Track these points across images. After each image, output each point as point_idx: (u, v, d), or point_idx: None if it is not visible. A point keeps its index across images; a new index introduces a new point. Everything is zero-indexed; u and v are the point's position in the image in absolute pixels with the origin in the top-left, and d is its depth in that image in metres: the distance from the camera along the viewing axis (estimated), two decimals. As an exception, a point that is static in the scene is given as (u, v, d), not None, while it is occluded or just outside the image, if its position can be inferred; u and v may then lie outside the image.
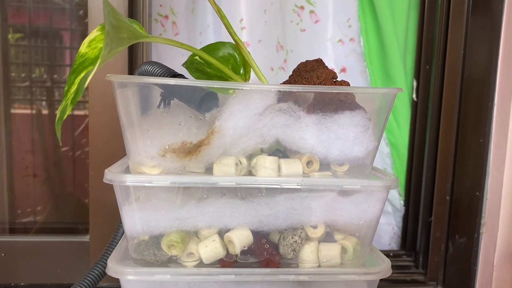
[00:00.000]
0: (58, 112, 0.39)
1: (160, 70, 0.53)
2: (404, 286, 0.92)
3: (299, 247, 0.49)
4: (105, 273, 0.57)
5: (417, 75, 0.96)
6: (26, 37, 0.97)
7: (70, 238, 0.81)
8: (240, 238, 0.48)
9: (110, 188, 0.82)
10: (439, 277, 0.93)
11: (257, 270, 0.47)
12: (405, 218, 1.00)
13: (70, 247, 0.81)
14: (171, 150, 0.46)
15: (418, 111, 0.96)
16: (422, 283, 0.92)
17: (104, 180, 0.46)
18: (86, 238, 0.80)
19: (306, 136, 0.47)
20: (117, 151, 0.80)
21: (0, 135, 0.97)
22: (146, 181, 0.44)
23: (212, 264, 0.48)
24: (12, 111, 0.98)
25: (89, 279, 0.56)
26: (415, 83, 0.97)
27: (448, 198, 0.91)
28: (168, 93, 0.51)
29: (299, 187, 0.46)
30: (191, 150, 0.46)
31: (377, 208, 0.48)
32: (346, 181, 0.46)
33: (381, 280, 0.98)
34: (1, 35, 0.94)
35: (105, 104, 0.79)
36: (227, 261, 0.48)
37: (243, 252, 0.48)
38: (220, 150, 0.47)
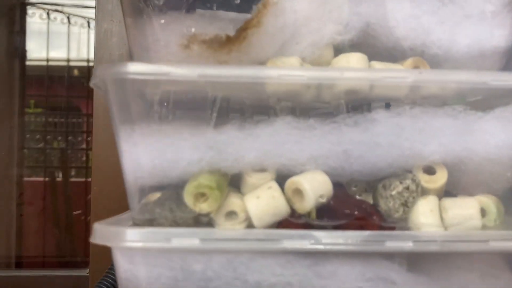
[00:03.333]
0: None
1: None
2: None
3: (413, 199, 0.29)
4: None
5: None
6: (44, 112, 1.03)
7: (69, 273, 0.74)
8: (314, 184, 0.28)
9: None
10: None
11: (350, 233, 0.27)
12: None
13: (69, 282, 0.74)
14: (199, 41, 0.29)
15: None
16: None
17: (92, 83, 0.28)
18: (85, 272, 0.72)
19: (417, 12, 0.29)
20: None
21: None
22: (160, 73, 0.27)
23: (268, 228, 0.29)
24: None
25: None
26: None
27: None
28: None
29: (416, 83, 0.27)
30: (231, 38, 0.29)
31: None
32: (495, 74, 0.28)
33: None
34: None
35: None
36: (293, 223, 0.29)
37: (319, 210, 0.29)
38: (277, 39, 0.29)
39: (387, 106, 0.30)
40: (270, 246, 0.27)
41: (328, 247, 0.27)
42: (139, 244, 0.26)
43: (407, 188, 0.29)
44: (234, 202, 0.29)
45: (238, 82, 0.27)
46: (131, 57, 0.31)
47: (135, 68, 0.27)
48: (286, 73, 0.27)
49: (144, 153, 0.28)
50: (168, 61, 0.29)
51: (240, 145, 0.28)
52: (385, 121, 0.29)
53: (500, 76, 0.28)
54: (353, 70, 0.28)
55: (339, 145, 0.29)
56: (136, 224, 0.29)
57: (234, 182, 0.31)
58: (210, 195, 0.28)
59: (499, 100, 0.30)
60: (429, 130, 0.29)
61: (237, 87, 0.29)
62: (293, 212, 0.29)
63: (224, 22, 0.30)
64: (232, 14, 0.30)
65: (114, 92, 0.28)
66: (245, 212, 0.29)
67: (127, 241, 0.27)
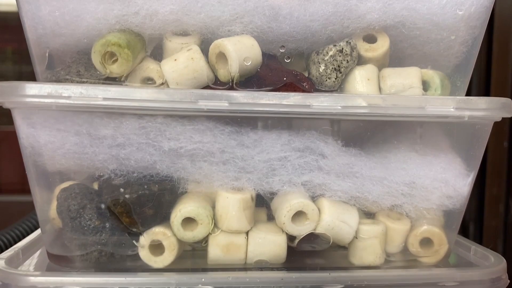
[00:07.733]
0: None
1: None
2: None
3: (347, 63, 0.26)
4: None
5: None
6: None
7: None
8: (238, 47, 0.26)
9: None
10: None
11: (272, 94, 0.25)
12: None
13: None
14: None
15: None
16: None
17: None
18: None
19: None
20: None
21: None
22: None
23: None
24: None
25: None
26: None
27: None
28: None
29: None
30: None
31: None
32: None
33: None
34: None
35: None
36: (215, 88, 0.26)
37: (246, 79, 0.26)
38: None
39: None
40: (185, 106, 0.24)
41: (247, 107, 0.24)
42: (36, 100, 0.24)
43: (341, 50, 0.26)
44: (149, 67, 0.26)
45: None
46: None
47: None
48: None
49: (44, 4, 0.25)
50: None
51: (154, -4, 0.25)
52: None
53: None
54: None
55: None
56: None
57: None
58: (120, 54, 0.25)
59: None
60: (366, -14, 0.26)
61: None
62: (216, 80, 0.27)
63: None
64: None
65: None
66: (163, 78, 0.26)
67: (21, 95, 0.24)
